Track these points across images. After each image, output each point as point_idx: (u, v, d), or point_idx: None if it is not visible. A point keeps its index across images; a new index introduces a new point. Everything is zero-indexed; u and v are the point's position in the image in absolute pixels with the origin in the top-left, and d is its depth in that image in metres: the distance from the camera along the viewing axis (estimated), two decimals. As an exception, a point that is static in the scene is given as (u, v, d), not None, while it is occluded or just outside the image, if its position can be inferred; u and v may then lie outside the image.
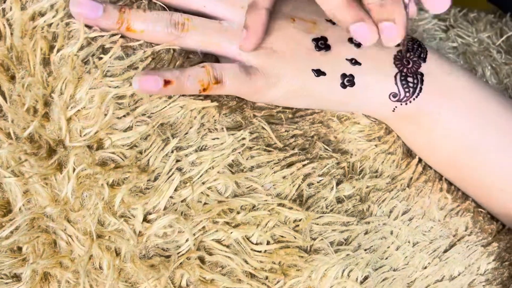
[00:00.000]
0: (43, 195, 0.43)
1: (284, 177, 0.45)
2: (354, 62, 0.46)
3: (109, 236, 0.42)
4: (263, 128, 0.46)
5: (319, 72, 0.45)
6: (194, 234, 0.43)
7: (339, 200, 0.46)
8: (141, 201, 0.42)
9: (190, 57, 0.46)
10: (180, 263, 0.43)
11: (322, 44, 0.46)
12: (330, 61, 0.46)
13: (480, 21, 0.60)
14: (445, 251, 0.48)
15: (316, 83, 0.45)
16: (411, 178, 0.49)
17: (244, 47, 0.44)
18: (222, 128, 0.44)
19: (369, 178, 0.47)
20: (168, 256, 0.43)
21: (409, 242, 0.47)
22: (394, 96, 0.46)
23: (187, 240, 0.43)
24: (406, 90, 0.46)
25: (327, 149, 0.47)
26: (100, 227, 0.43)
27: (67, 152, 0.42)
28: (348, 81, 0.46)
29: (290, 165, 0.45)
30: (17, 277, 0.46)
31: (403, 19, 0.41)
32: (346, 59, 0.46)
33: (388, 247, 0.47)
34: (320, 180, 0.46)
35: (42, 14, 0.43)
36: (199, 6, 0.45)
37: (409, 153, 0.50)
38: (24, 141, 0.43)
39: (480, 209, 0.51)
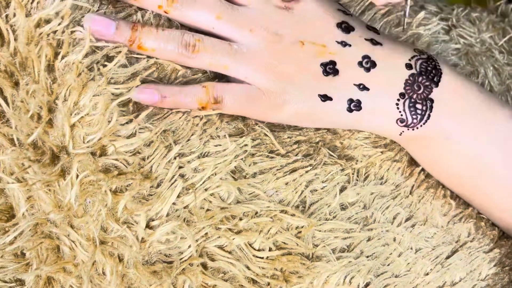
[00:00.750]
0: (47, 201, 0.44)
1: (286, 184, 0.45)
2: (362, 87, 0.46)
3: (112, 242, 0.43)
4: (265, 134, 0.46)
5: (325, 97, 0.46)
6: (196, 241, 0.43)
7: (343, 207, 0.47)
8: (144, 208, 0.43)
9: (192, 69, 0.47)
10: (183, 269, 0.43)
11: (330, 69, 0.46)
12: (337, 86, 0.46)
13: (483, 21, 0.60)
14: (448, 257, 0.49)
15: (322, 108, 0.46)
16: (413, 186, 0.49)
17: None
18: (225, 135, 0.45)
19: (373, 185, 0.48)
20: (171, 262, 0.44)
21: (411, 248, 0.48)
22: (401, 122, 0.47)
23: (189, 247, 0.43)
24: (414, 117, 0.46)
25: (332, 155, 0.48)
26: (103, 233, 0.43)
27: (71, 159, 0.43)
28: (354, 105, 0.46)
29: (292, 171, 0.46)
30: (20, 281, 0.47)
31: None
32: (354, 84, 0.46)
33: (391, 254, 0.47)
34: (324, 187, 0.47)
35: (47, 21, 0.43)
36: (208, 27, 0.46)
37: (413, 160, 0.51)
38: (27, 147, 0.43)
39: (482, 215, 0.52)
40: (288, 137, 0.47)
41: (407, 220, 0.49)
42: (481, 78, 0.57)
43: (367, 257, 0.46)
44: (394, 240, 0.47)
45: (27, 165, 0.43)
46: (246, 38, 0.46)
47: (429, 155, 0.48)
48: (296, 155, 0.47)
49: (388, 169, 0.49)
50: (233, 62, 0.45)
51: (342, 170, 0.47)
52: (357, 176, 0.48)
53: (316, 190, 0.46)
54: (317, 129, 0.49)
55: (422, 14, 0.55)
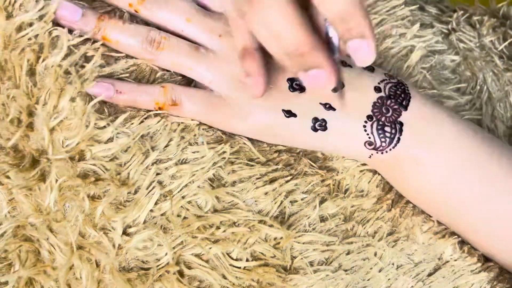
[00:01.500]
0: (26, 205, 0.44)
1: (266, 193, 0.45)
2: (329, 107, 0.46)
3: (89, 248, 0.44)
4: (244, 143, 0.46)
5: (289, 113, 0.46)
6: (173, 248, 0.44)
7: (323, 219, 0.47)
8: (120, 215, 0.43)
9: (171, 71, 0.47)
10: (159, 276, 0.44)
11: (297, 85, 0.46)
12: (302, 103, 0.46)
13: (484, 25, 0.60)
14: (429, 274, 0.48)
15: (285, 123, 0.46)
16: (393, 200, 0.49)
17: (255, 95, 0.45)
18: (203, 142, 0.45)
19: (354, 197, 0.48)
20: (148, 269, 0.44)
21: (393, 264, 0.48)
22: (370, 144, 0.46)
23: (166, 254, 0.44)
24: (383, 140, 0.46)
25: (312, 166, 0.48)
26: (81, 238, 0.44)
27: (50, 163, 0.43)
28: (319, 125, 0.46)
29: (272, 181, 0.46)
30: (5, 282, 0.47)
31: (328, 64, 0.39)
32: (320, 103, 0.46)
33: (371, 269, 0.47)
34: (304, 198, 0.46)
35: (30, 25, 0.44)
36: (177, 29, 0.46)
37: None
38: (7, 151, 0.44)
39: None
40: (268, 146, 0.47)
41: (389, 234, 0.48)
42: (480, 83, 0.57)
43: (346, 271, 0.46)
44: (375, 254, 0.47)
45: (7, 169, 0.43)
46: (215, 44, 0.46)
47: (401, 178, 0.48)
48: (276, 164, 0.47)
49: (369, 181, 0.48)
50: (198, 65, 0.45)
51: (323, 181, 0.47)
52: (338, 188, 0.48)
53: (296, 201, 0.46)
54: (299, 140, 0.49)
55: (416, 26, 0.54)
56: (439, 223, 0.49)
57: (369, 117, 0.46)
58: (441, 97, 0.54)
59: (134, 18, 0.47)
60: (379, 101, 0.46)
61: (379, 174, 0.49)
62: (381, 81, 0.47)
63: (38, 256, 0.46)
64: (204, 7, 0.47)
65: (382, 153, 0.46)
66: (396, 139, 0.46)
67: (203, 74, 0.46)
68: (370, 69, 0.48)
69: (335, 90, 0.43)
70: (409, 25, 0.55)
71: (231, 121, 0.46)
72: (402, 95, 0.46)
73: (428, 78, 0.54)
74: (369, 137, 0.46)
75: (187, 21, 0.46)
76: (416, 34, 0.55)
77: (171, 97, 0.45)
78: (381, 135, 0.46)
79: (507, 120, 0.57)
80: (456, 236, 0.49)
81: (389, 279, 0.47)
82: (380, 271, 0.47)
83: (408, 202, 0.49)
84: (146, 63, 0.46)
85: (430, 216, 0.49)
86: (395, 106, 0.46)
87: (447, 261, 0.49)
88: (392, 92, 0.46)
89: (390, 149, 0.46)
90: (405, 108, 0.46)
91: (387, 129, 0.46)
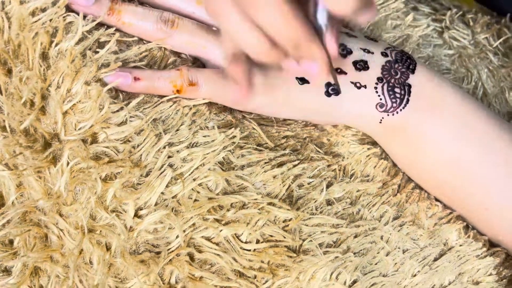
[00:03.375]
0: (36, 189, 0.46)
1: (274, 177, 0.47)
2: (340, 71, 0.49)
3: (100, 231, 0.45)
4: (253, 128, 0.49)
5: (303, 80, 0.48)
6: (184, 231, 0.45)
7: (329, 203, 0.49)
8: (132, 196, 0.45)
9: (182, 56, 0.49)
10: (170, 260, 0.45)
11: None
12: None
13: (477, 22, 0.62)
14: (435, 259, 0.51)
15: (300, 91, 0.48)
16: (400, 185, 0.51)
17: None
18: (213, 126, 0.47)
19: (360, 182, 0.50)
20: (158, 253, 0.45)
21: (399, 248, 0.50)
22: (381, 107, 0.49)
23: (177, 237, 0.45)
24: (393, 100, 0.49)
25: (318, 151, 0.50)
26: (92, 221, 0.45)
27: (62, 146, 0.45)
28: (332, 89, 0.49)
29: (280, 165, 0.48)
30: (7, 271, 0.48)
31: (321, 54, 0.42)
32: None
33: (378, 252, 0.49)
34: (311, 182, 0.49)
35: (43, 10, 0.46)
36: (188, 12, 0.49)
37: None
38: (19, 134, 0.45)
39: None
40: (276, 132, 0.50)
41: (395, 219, 0.50)
42: (475, 80, 0.59)
43: (354, 253, 0.48)
44: (382, 238, 0.49)
45: (19, 151, 0.45)
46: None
47: (407, 147, 0.50)
48: (284, 149, 0.49)
49: (375, 166, 0.51)
50: (211, 44, 0.48)
51: (329, 166, 0.50)
52: (343, 173, 0.50)
53: (303, 185, 0.48)
54: (305, 125, 0.51)
55: (410, 16, 0.57)
56: (444, 208, 0.52)
57: (379, 79, 0.49)
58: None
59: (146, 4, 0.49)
60: (387, 64, 0.49)
61: (385, 159, 0.51)
62: (387, 48, 0.50)
63: (46, 242, 0.47)
64: None
65: (393, 114, 0.49)
66: (405, 99, 0.49)
67: (216, 52, 0.48)
68: (374, 40, 0.51)
69: (336, 92, 0.46)
70: (403, 16, 0.58)
71: (247, 99, 0.48)
72: (408, 60, 0.50)
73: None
74: (380, 99, 0.49)
75: (198, 3, 0.49)
76: (411, 24, 0.58)
77: (188, 78, 0.47)
78: (392, 96, 0.49)
79: (503, 116, 0.60)
80: (461, 221, 0.52)
81: (396, 263, 0.49)
82: (387, 255, 0.49)
83: (414, 188, 0.52)
84: (159, 46, 0.48)
85: (436, 201, 0.52)
86: (403, 69, 0.49)
87: (452, 247, 0.51)
88: (399, 57, 0.50)
89: (401, 110, 0.49)
90: (413, 71, 0.49)
91: (397, 90, 0.49)
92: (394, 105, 0.49)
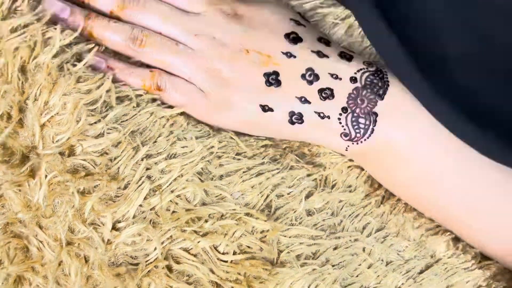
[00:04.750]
0: (16, 201, 0.47)
1: (252, 187, 0.48)
2: (304, 100, 0.49)
3: (79, 244, 0.46)
4: (231, 137, 0.49)
5: (266, 108, 0.49)
6: (162, 243, 0.46)
7: (309, 213, 0.49)
8: (110, 210, 0.45)
9: None
10: (148, 271, 0.46)
11: (272, 79, 0.49)
12: (278, 97, 0.49)
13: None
14: (421, 272, 0.51)
15: (263, 118, 0.49)
16: (384, 196, 0.51)
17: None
18: (191, 137, 0.48)
19: (341, 192, 0.50)
20: (137, 264, 0.46)
21: (382, 260, 0.50)
22: (346, 136, 0.49)
23: (155, 249, 0.46)
24: (357, 131, 0.49)
25: (298, 161, 0.50)
26: (70, 234, 0.46)
27: (40, 159, 0.46)
28: (296, 118, 0.49)
29: (259, 174, 0.49)
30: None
31: None
32: (296, 97, 0.49)
33: (360, 264, 0.49)
34: (290, 192, 0.49)
35: (26, 26, 0.47)
36: (156, 30, 0.50)
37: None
38: (-3, 147, 0.47)
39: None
40: (254, 141, 0.50)
41: (378, 230, 0.51)
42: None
43: (333, 265, 0.48)
44: (364, 250, 0.49)
45: (-4, 165, 0.46)
46: (192, 43, 0.50)
47: (381, 169, 0.51)
48: (262, 158, 0.50)
49: (357, 177, 0.51)
50: (177, 60, 0.49)
51: (309, 175, 0.50)
52: (325, 183, 0.50)
53: (282, 195, 0.49)
54: (285, 136, 0.52)
55: None
56: (432, 219, 0.52)
57: (344, 109, 0.49)
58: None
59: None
60: (354, 92, 0.49)
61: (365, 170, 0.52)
62: (358, 71, 0.49)
63: (27, 253, 0.48)
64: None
65: (357, 143, 0.49)
66: (370, 130, 0.49)
67: (182, 69, 0.49)
68: (348, 58, 0.50)
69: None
70: None
71: (212, 115, 0.50)
72: (379, 84, 0.49)
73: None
74: (344, 129, 0.49)
75: (164, 22, 0.50)
76: None
77: (156, 82, 0.49)
78: (356, 127, 0.49)
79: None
80: (449, 233, 0.52)
81: (378, 275, 0.49)
82: (369, 267, 0.49)
83: (399, 199, 0.52)
84: None
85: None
86: (371, 96, 0.49)
87: (440, 259, 0.51)
88: (369, 82, 0.49)
89: (365, 139, 0.49)
90: (381, 97, 0.49)
91: (361, 120, 0.49)
92: (358, 135, 0.49)
